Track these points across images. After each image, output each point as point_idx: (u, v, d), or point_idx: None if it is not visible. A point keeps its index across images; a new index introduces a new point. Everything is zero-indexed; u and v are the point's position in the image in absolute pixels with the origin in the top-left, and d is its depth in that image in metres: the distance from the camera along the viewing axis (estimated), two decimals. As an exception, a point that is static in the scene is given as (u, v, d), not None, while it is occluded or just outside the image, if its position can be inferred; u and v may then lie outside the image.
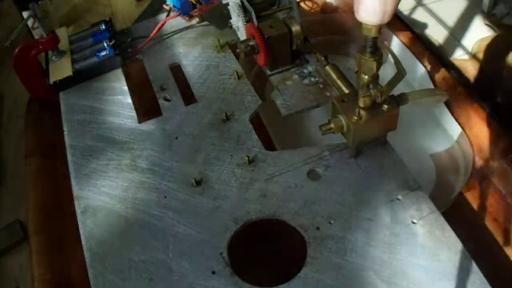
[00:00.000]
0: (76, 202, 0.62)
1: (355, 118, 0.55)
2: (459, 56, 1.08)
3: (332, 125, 0.57)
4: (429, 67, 0.78)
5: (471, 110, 0.71)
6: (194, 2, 0.80)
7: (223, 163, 0.63)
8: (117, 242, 0.57)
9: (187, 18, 0.80)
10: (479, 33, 1.11)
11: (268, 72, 0.71)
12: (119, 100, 0.74)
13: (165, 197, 0.60)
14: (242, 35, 0.74)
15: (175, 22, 0.84)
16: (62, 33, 0.84)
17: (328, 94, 0.68)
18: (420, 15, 1.19)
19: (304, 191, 0.58)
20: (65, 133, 0.71)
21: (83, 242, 0.58)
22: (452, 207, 0.67)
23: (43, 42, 0.76)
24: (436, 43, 1.11)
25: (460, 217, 0.64)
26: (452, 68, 0.78)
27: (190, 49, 0.80)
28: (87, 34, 0.84)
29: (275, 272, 0.62)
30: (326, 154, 0.62)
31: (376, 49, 0.50)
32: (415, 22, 1.17)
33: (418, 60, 0.79)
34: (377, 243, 0.53)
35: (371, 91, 0.53)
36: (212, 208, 0.58)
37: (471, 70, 1.02)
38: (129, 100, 0.74)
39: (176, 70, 0.78)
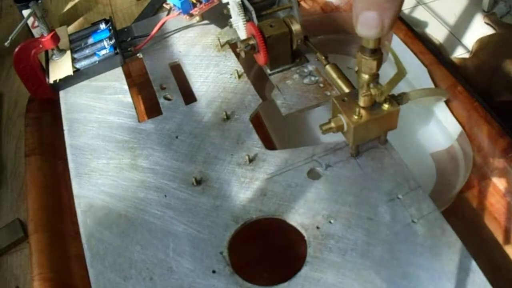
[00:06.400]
0: (76, 201, 0.62)
1: (356, 117, 0.55)
2: (459, 55, 1.08)
3: (332, 125, 0.57)
4: (429, 66, 0.78)
5: (471, 109, 0.71)
6: (194, 1, 0.79)
7: (224, 162, 0.63)
8: (117, 241, 0.57)
9: (187, 17, 0.80)
10: (479, 32, 1.11)
11: (269, 71, 0.71)
12: (119, 99, 0.74)
13: (165, 196, 0.61)
14: (242, 34, 0.75)
15: (175, 21, 0.84)
16: (63, 32, 0.84)
17: (328, 93, 0.68)
18: (420, 14, 1.19)
19: (305, 190, 0.58)
20: (65, 132, 0.71)
21: (83, 241, 0.58)
22: (452, 206, 0.67)
23: (43, 41, 0.76)
24: (437, 42, 1.11)
25: (460, 216, 0.65)
26: (452, 67, 0.78)
27: (190, 48, 0.80)
28: (87, 33, 0.84)
29: (275, 271, 0.62)
30: (327, 153, 0.62)
31: (376, 48, 0.50)
32: (416, 20, 1.17)
33: (419, 59, 0.79)
34: (377, 242, 0.53)
35: (371, 90, 0.53)
36: (212, 207, 0.58)
37: (471, 69, 1.02)
38: (129, 99, 0.74)
39: (176, 69, 0.78)
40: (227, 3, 0.76)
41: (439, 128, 0.78)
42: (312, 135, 0.82)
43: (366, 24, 0.43)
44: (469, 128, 0.71)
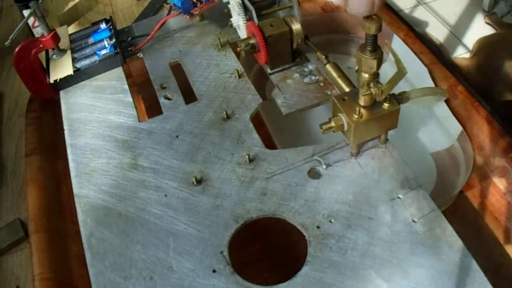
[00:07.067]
0: (76, 201, 0.62)
1: (356, 116, 0.55)
2: (459, 55, 1.08)
3: (332, 124, 0.57)
4: (429, 65, 0.78)
5: (472, 108, 0.71)
6: (194, 1, 0.79)
7: (224, 161, 0.63)
8: (117, 241, 0.57)
9: (187, 17, 0.80)
10: (480, 32, 1.11)
11: (269, 71, 0.71)
12: (119, 98, 0.74)
13: (166, 195, 0.61)
14: (242, 33, 0.74)
15: (175, 20, 0.84)
16: (63, 31, 0.84)
17: (328, 92, 0.68)
18: (421, 14, 1.19)
19: (305, 189, 0.58)
20: (66, 131, 0.71)
21: (84, 240, 0.58)
22: (452, 205, 0.67)
23: (43, 41, 0.76)
24: (437, 42, 1.11)
25: (460, 216, 0.65)
26: (452, 66, 0.78)
27: (190, 47, 0.80)
28: (88, 33, 0.84)
29: (276, 271, 0.62)
30: (327, 152, 0.62)
31: (376, 47, 0.50)
32: (416, 20, 1.17)
33: (419, 58, 0.79)
34: (377, 241, 0.53)
35: (372, 89, 0.53)
36: (212, 207, 0.58)
37: (471, 68, 1.02)
38: (130, 99, 0.74)
39: (177, 69, 0.78)
40: (228, 3, 0.76)
41: (439, 128, 0.78)
42: (312, 134, 0.82)
43: (357, 0, 0.44)
44: (469, 127, 0.71)
